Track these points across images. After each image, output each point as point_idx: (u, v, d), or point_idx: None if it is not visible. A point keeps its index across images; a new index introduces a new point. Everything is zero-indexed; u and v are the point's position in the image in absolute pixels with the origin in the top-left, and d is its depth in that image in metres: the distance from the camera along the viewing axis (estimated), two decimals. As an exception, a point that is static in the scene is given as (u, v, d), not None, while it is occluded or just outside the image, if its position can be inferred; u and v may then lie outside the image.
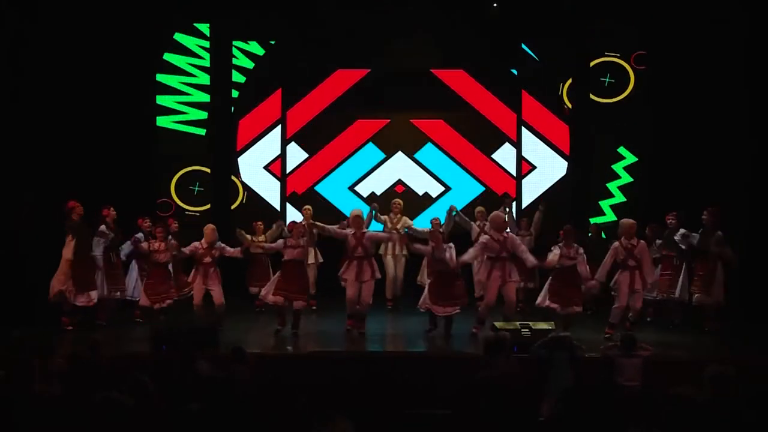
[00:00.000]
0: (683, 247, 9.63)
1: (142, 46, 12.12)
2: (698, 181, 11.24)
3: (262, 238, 11.10)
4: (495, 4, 12.15)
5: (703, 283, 9.40)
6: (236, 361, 6.71)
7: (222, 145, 12.66)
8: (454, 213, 10.37)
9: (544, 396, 6.48)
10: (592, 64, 12.62)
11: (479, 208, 11.11)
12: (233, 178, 12.84)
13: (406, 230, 10.49)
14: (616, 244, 9.12)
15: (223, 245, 9.77)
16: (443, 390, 6.72)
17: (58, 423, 5.28)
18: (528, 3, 12.21)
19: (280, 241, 9.64)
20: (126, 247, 10.18)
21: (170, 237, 10.16)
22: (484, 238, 9.50)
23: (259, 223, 11.18)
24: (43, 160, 10.75)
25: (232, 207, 12.78)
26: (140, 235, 10.11)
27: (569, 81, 12.60)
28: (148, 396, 5.46)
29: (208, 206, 12.72)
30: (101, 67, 11.42)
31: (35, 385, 6.42)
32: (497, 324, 8.41)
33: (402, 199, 11.55)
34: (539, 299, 9.43)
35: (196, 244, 9.74)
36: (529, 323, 8.37)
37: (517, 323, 8.41)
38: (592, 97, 12.62)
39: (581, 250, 9.32)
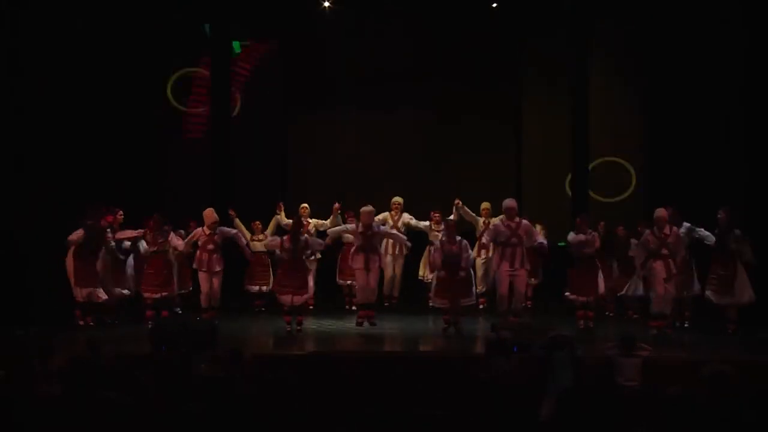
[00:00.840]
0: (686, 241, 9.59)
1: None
2: (696, 184, 11.25)
3: (261, 236, 11.09)
4: (494, 5, 12.14)
5: (722, 282, 9.27)
6: (234, 363, 6.70)
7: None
8: (458, 207, 10.34)
9: (544, 396, 6.47)
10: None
11: (485, 204, 11.02)
12: None
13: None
14: (648, 233, 9.14)
15: (224, 228, 9.88)
16: (443, 390, 6.72)
17: (58, 423, 5.27)
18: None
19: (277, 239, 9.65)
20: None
21: (166, 229, 10.11)
22: (494, 221, 9.55)
23: (258, 222, 11.16)
24: (41, 157, 10.75)
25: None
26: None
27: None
28: (147, 396, 5.46)
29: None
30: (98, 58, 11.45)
31: (35, 385, 6.41)
32: (497, 324, 8.40)
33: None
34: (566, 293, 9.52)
35: (198, 230, 9.87)
36: (530, 324, 8.39)
37: (518, 323, 8.43)
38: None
39: (595, 234, 9.49)
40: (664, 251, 9.00)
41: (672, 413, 4.88)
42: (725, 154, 11.15)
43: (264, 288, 11.01)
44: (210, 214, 9.90)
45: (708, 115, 11.41)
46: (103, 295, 9.73)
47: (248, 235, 11.12)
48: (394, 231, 10.49)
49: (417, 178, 12.86)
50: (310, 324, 9.93)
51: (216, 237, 9.82)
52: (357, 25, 12.42)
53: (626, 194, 12.63)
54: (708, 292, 9.42)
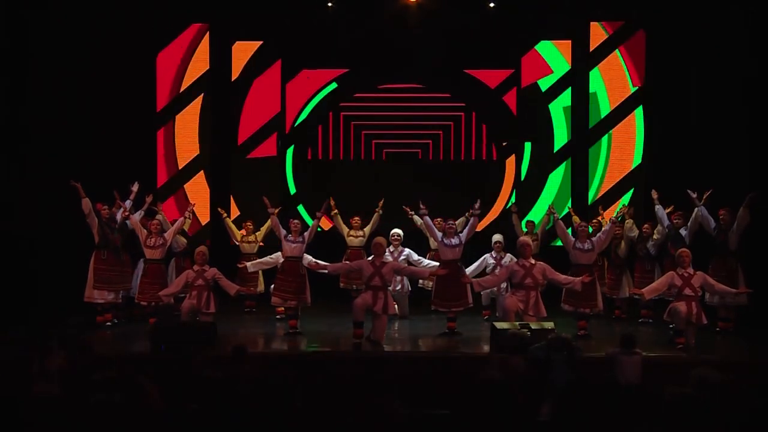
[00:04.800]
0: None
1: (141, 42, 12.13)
2: (698, 182, 11.21)
3: (252, 237, 11.07)
4: (492, 4, 12.11)
5: (724, 283, 9.15)
6: (237, 360, 6.71)
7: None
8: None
9: (545, 397, 6.47)
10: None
11: (497, 237, 10.61)
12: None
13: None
14: (672, 273, 8.83)
15: (217, 273, 9.23)
16: (443, 390, 6.71)
17: (57, 423, 5.27)
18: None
19: (278, 254, 9.69)
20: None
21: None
22: (511, 261, 9.30)
23: (249, 223, 11.15)
24: (42, 156, 10.75)
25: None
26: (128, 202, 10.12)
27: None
28: (146, 396, 5.45)
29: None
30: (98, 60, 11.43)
31: (35, 385, 6.41)
32: (496, 324, 8.41)
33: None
34: (561, 302, 9.44)
35: (188, 271, 9.33)
36: (529, 323, 8.38)
37: (517, 323, 8.41)
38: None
39: (594, 238, 9.46)
40: (688, 291, 8.59)
41: (671, 413, 4.89)
42: (726, 152, 11.11)
43: (252, 290, 10.96)
44: (200, 256, 9.38)
45: (709, 114, 11.39)
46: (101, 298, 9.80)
47: (238, 235, 11.12)
48: (408, 267, 9.86)
49: (417, 183, 12.79)
50: (310, 324, 9.92)
51: (206, 274, 9.19)
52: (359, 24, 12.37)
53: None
54: (708, 294, 9.39)
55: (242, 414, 5.32)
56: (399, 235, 10.70)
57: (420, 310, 10.63)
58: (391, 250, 10.42)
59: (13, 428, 5.22)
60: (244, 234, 11.11)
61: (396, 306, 9.94)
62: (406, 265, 10.10)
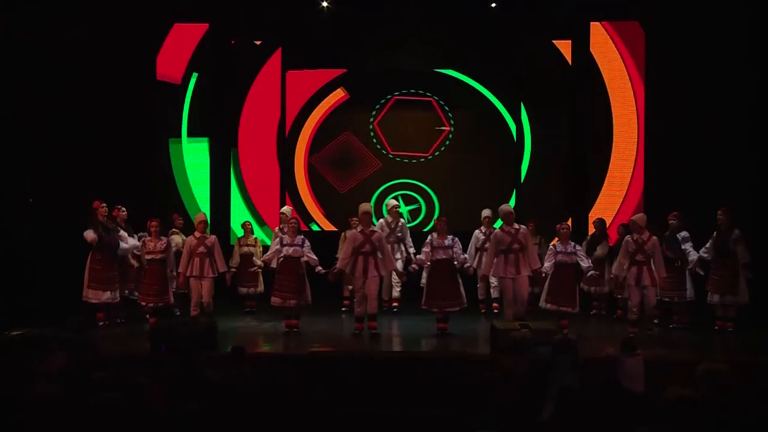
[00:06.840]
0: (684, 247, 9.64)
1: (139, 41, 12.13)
2: (697, 183, 11.22)
3: (251, 240, 11.07)
4: (494, 4, 12.10)
5: (724, 283, 9.26)
6: (236, 361, 6.71)
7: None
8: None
9: (546, 397, 6.47)
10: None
11: (486, 212, 10.80)
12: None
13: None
14: (628, 238, 9.12)
15: (217, 243, 9.63)
16: (443, 390, 6.71)
17: (58, 423, 5.27)
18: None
19: (275, 246, 9.60)
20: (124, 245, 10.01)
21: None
22: (496, 233, 9.33)
23: (248, 223, 11.19)
24: (42, 156, 10.73)
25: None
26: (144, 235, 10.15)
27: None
28: (146, 397, 5.45)
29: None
30: (96, 59, 11.40)
31: (35, 385, 6.41)
32: (496, 324, 8.39)
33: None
34: (540, 301, 9.48)
35: (190, 238, 9.69)
36: (529, 323, 8.37)
37: (517, 323, 8.40)
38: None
39: (578, 246, 9.47)
40: (640, 257, 8.88)
41: (674, 413, 4.89)
42: (726, 153, 11.10)
43: (252, 290, 10.98)
44: (198, 216, 9.83)
45: (709, 115, 11.38)
46: (104, 298, 9.77)
47: (237, 257, 11.08)
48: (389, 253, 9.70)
49: (417, 179, 12.82)
50: (310, 324, 9.92)
51: (207, 241, 9.60)
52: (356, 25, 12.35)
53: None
54: (709, 293, 9.41)
55: (242, 414, 5.32)
56: (396, 205, 10.71)
57: (419, 309, 10.63)
58: (389, 220, 10.40)
59: (13, 428, 5.22)
60: (243, 234, 11.13)
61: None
62: (399, 236, 10.30)
